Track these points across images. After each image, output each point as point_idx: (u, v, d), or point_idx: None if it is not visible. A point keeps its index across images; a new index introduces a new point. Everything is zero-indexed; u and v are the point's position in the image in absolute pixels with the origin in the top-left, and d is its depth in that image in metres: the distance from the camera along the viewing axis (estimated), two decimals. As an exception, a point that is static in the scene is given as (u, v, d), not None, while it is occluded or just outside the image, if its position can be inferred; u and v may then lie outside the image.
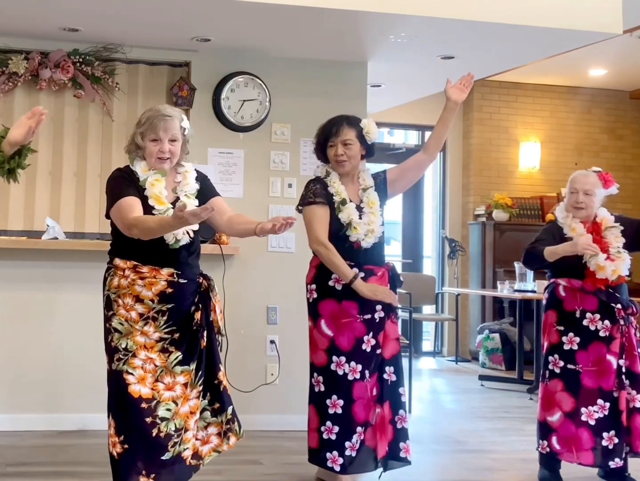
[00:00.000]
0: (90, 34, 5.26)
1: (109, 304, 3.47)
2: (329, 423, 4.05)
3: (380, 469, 4.19)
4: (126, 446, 3.34)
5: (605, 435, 4.20)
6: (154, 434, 3.34)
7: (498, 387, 7.61)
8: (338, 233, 4.09)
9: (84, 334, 5.20)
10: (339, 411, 4.05)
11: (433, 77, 6.48)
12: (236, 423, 3.61)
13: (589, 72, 9.12)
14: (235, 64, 5.56)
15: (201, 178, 3.63)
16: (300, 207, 4.19)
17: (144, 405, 3.35)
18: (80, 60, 5.37)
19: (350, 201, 4.14)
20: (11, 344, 5.22)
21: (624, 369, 4.24)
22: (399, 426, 4.15)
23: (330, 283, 4.10)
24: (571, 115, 9.80)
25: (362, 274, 4.07)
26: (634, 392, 4.24)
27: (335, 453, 4.04)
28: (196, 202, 3.49)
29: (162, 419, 3.37)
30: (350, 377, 4.06)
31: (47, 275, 5.27)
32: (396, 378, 4.17)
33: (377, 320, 4.13)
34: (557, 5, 4.91)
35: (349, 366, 4.06)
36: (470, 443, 5.39)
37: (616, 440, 4.21)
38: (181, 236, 3.42)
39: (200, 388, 3.49)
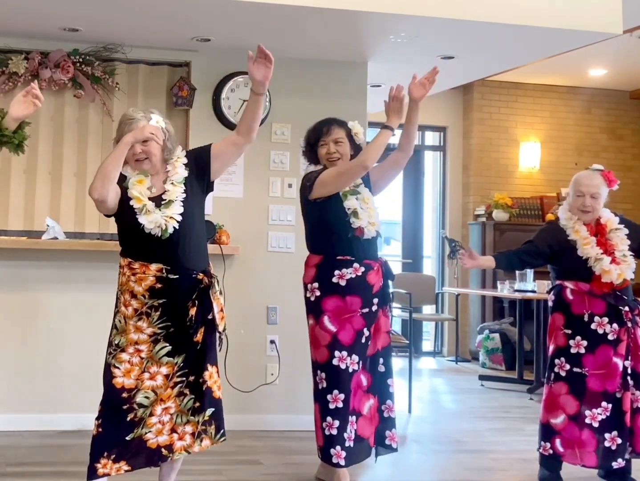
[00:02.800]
0: (90, 34, 5.26)
1: (116, 301, 3.60)
2: (329, 419, 4.09)
3: (373, 458, 4.31)
4: (100, 430, 3.48)
5: (607, 435, 4.20)
6: (128, 418, 3.46)
7: (498, 387, 7.61)
8: (339, 224, 4.16)
9: (84, 334, 5.20)
10: (340, 405, 4.09)
11: (433, 77, 6.47)
12: (213, 427, 3.57)
13: (589, 72, 9.13)
14: (235, 64, 5.56)
15: (192, 155, 3.66)
16: (308, 187, 4.21)
17: (125, 395, 3.48)
18: (80, 60, 5.37)
19: None
20: (11, 344, 5.22)
21: (629, 371, 4.23)
22: (385, 415, 4.27)
23: (334, 280, 4.14)
24: (571, 115, 9.80)
25: (362, 269, 4.15)
26: (638, 392, 4.23)
27: (338, 447, 4.08)
28: (182, 188, 3.53)
29: (140, 405, 3.48)
30: (350, 370, 4.13)
31: (47, 275, 5.27)
32: (385, 369, 4.28)
33: (373, 312, 4.22)
34: (557, 5, 4.91)
35: (350, 360, 4.13)
36: (470, 443, 5.39)
37: (619, 441, 4.20)
38: (162, 224, 3.43)
39: (179, 380, 3.52)
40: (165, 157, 3.57)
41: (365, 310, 4.17)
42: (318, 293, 4.17)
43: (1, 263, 5.20)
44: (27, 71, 5.32)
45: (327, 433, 4.09)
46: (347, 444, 4.10)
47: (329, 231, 4.19)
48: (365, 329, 4.17)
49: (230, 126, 5.55)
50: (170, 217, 3.46)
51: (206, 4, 4.64)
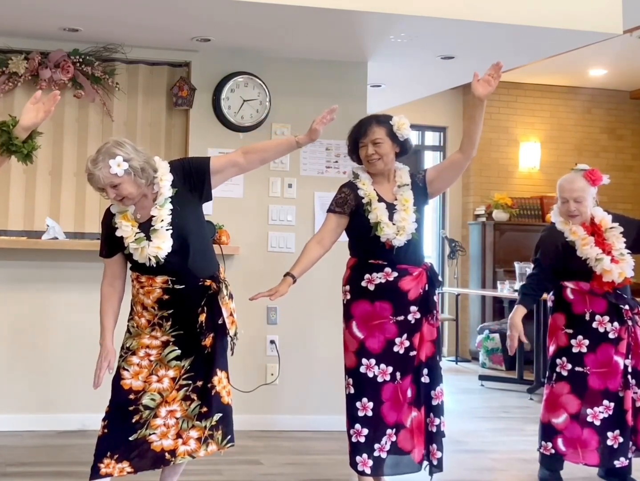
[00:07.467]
0: (91, 34, 5.26)
1: (131, 310, 3.65)
2: (357, 426, 3.97)
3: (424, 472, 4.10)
4: (106, 430, 3.48)
5: (609, 434, 4.19)
6: (133, 420, 3.48)
7: (498, 387, 7.62)
8: (369, 234, 4.00)
9: (84, 334, 5.20)
10: (369, 413, 3.97)
11: (433, 77, 6.49)
12: (220, 432, 3.56)
13: (589, 72, 9.13)
14: (235, 64, 5.56)
15: (179, 170, 3.55)
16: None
17: (131, 396, 3.50)
18: (80, 60, 5.38)
19: (380, 201, 4.04)
20: (11, 344, 5.22)
21: (630, 369, 4.23)
22: (429, 429, 4.06)
23: (363, 284, 4.01)
24: (571, 115, 9.81)
25: (395, 274, 3.98)
26: None
27: (365, 455, 3.97)
28: (168, 210, 3.47)
29: (146, 407, 3.49)
30: (379, 379, 3.98)
31: (47, 275, 5.27)
32: (429, 380, 4.07)
33: (412, 322, 4.02)
34: (557, 5, 4.91)
35: (379, 368, 3.99)
36: (470, 443, 5.39)
37: (621, 439, 4.20)
38: (152, 257, 3.44)
39: (185, 383, 3.52)
40: (143, 188, 3.47)
41: (400, 318, 4.00)
42: (349, 296, 4.06)
43: (1, 263, 5.20)
44: (27, 71, 5.33)
45: (354, 440, 3.98)
46: (376, 454, 3.97)
47: (362, 235, 4.04)
48: (398, 338, 4.00)
49: (230, 126, 5.55)
50: (158, 248, 3.43)
51: (206, 4, 4.64)
